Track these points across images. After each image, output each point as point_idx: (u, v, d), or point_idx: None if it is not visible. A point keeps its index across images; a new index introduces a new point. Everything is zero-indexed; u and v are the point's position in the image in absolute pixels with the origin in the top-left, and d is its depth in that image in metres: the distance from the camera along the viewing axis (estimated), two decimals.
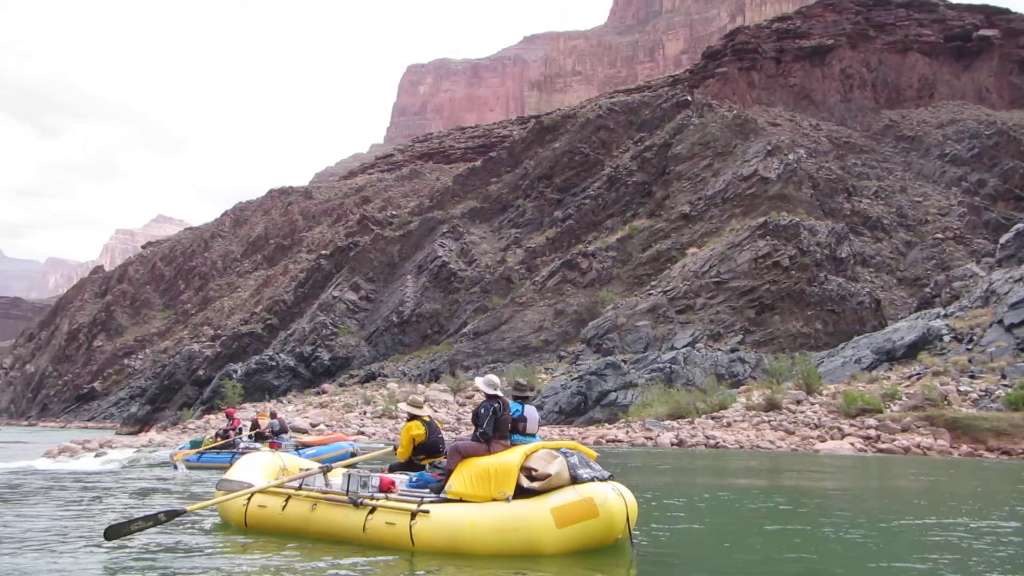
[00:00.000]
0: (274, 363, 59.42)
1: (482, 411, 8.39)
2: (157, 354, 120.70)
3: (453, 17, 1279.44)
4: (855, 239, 62.16)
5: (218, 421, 48.49)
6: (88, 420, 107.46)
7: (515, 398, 8.79)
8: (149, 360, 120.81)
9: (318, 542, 8.20)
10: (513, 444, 8.35)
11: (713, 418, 30.76)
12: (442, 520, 7.65)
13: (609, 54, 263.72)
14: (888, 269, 65.65)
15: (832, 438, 26.58)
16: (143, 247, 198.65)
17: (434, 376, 50.05)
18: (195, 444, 19.91)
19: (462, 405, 39.82)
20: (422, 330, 60.58)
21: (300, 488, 8.89)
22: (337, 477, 9.20)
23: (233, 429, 19.23)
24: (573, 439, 28.43)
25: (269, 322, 74.75)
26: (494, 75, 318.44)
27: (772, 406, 30.44)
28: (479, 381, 8.69)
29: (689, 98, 75.67)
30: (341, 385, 53.28)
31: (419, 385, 46.39)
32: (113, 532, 7.59)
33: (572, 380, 38.40)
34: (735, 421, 29.96)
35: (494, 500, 7.66)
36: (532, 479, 7.67)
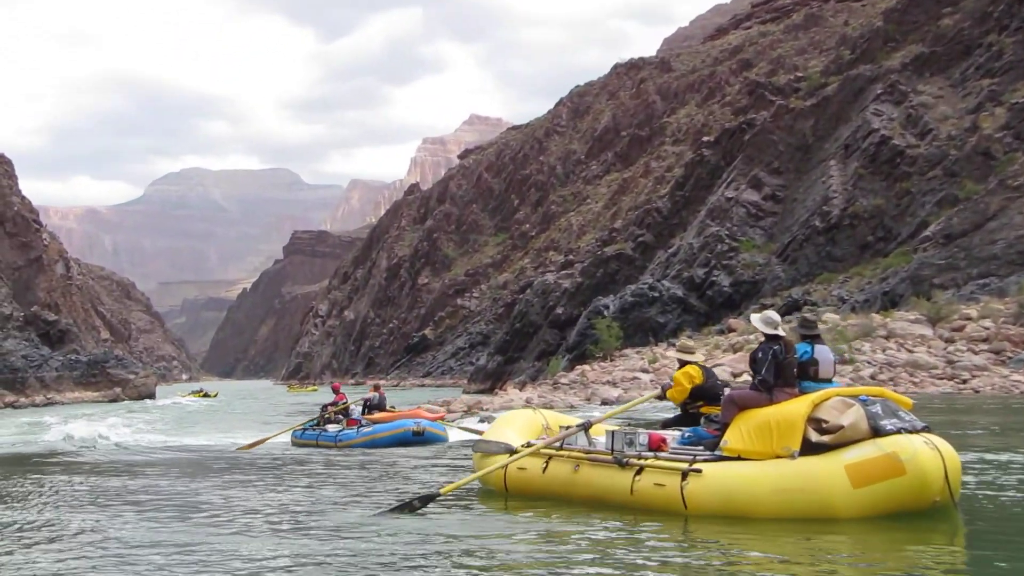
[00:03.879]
0: (656, 294, 60.25)
1: (760, 355, 9.37)
2: (495, 290, 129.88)
3: None
4: None
5: (596, 373, 50.45)
6: (424, 376, 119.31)
7: (802, 337, 9.64)
8: (486, 298, 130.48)
9: (582, 506, 9.75)
10: (802, 392, 9.16)
11: None
12: (717, 480, 8.77)
13: None
14: None
15: None
16: (459, 156, 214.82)
17: (889, 301, 47.19)
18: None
19: (948, 341, 36.78)
20: (859, 237, 57.60)
21: (561, 448, 10.52)
22: (601, 436, 10.56)
23: (334, 405, 22.85)
24: None
25: (641, 239, 76.31)
26: None
27: None
28: (755, 318, 9.76)
29: None
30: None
31: (873, 315, 43.87)
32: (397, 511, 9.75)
33: None
34: None
35: (777, 457, 8.59)
36: (822, 432, 8.45)
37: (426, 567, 7.06)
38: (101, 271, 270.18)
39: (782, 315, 53.30)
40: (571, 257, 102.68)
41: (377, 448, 19.95)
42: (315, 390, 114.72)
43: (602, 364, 51.37)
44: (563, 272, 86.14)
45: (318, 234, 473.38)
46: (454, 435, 21.47)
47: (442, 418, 23.33)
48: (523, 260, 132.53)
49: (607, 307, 61.03)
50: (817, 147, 65.97)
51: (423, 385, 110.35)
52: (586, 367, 51.02)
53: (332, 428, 22.10)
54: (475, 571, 6.98)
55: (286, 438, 23.06)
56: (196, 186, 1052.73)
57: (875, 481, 8.14)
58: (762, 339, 9.65)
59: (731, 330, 51.38)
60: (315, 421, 22.93)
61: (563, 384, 46.14)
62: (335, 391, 24.02)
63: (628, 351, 53.38)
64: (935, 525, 8.14)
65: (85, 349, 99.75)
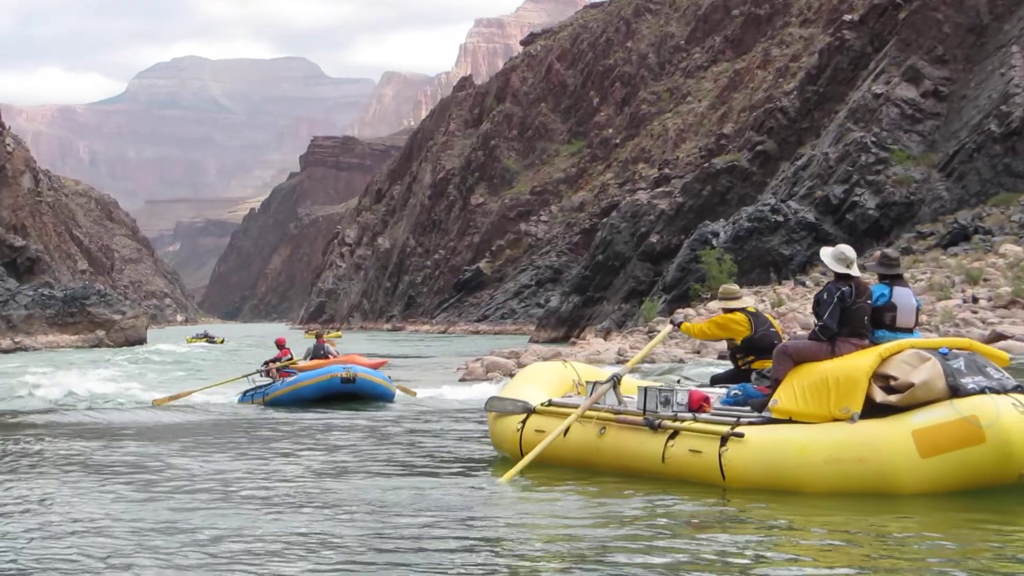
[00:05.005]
0: (779, 217, 59.53)
1: (824, 296, 9.75)
2: (569, 213, 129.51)
3: None
4: None
5: (703, 319, 50.03)
6: (477, 320, 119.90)
7: (881, 278, 10.03)
8: (558, 223, 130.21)
9: (607, 476, 10.30)
10: (874, 344, 9.44)
11: None
12: (760, 447, 9.16)
13: None
14: None
15: None
16: (522, 43, 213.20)
17: None
18: None
19: None
20: None
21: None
22: (634, 393, 11.05)
23: (275, 360, 24.56)
24: None
25: (760, 148, 75.41)
26: None
27: None
28: (825, 253, 10.16)
29: None
30: (906, 251, 51.58)
31: None
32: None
33: None
34: None
35: (835, 420, 8.91)
36: (890, 391, 8.76)
37: (423, 548, 7.39)
38: (76, 186, 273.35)
39: (946, 247, 52.48)
40: (667, 171, 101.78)
41: (304, 402, 21.79)
42: (340, 336, 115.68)
43: (710, 307, 50.91)
44: (658, 190, 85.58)
45: (343, 141, 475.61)
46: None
47: (382, 364, 24.78)
48: (605, 175, 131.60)
49: (716, 234, 60.62)
50: (995, 29, 64.38)
51: (477, 332, 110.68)
52: (689, 310, 50.53)
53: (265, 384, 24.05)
54: (471, 554, 7.27)
55: (209, 396, 25.07)
56: (191, 80, 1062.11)
57: (947, 450, 8.39)
58: (832, 279, 9.97)
59: None
60: (255, 378, 24.70)
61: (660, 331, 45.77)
62: (279, 346, 25.66)
63: (744, 290, 52.56)
64: (1020, 505, 8.43)
65: (60, 282, 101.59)
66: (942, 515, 8.15)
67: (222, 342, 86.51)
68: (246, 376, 25.14)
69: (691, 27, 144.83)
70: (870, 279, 10.42)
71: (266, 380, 23.91)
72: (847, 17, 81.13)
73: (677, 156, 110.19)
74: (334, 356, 24.09)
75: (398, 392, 23.09)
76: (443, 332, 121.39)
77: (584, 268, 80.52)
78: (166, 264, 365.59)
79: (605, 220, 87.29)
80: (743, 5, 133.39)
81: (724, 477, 9.32)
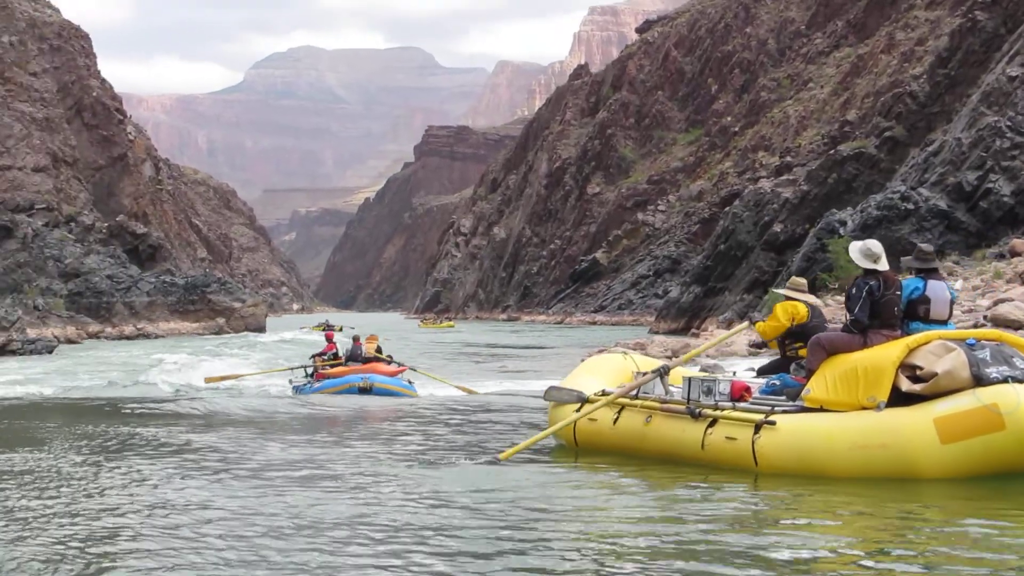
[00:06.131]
0: (911, 205, 58.16)
1: (853, 291, 10.32)
2: (687, 202, 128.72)
3: None
4: None
5: (830, 311, 48.93)
6: (595, 311, 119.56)
7: (916, 272, 10.58)
8: (676, 212, 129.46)
9: (652, 462, 11.02)
10: (907, 335, 9.90)
11: None
12: (790, 434, 9.75)
13: None
14: None
15: None
16: (639, 30, 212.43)
17: None
18: None
19: None
20: None
21: (636, 397, 11.69)
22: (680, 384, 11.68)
23: (321, 356, 26.59)
24: None
25: (888, 134, 74.26)
26: None
27: None
28: (853, 248, 10.67)
29: None
30: None
31: None
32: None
33: None
34: None
35: (863, 408, 9.41)
36: (916, 380, 9.23)
37: (457, 533, 7.69)
38: (195, 174, 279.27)
39: None
40: (789, 159, 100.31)
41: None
42: (452, 326, 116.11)
43: (838, 298, 49.88)
44: (780, 178, 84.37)
45: (458, 130, 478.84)
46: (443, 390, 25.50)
47: (401, 371, 25.83)
48: (724, 163, 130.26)
49: (844, 223, 59.74)
50: None
51: (594, 323, 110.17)
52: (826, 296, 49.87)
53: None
54: (496, 538, 7.51)
55: (261, 380, 28.53)
56: (307, 70, 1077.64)
57: (968, 436, 8.80)
58: (861, 273, 10.47)
59: (1016, 253, 49.03)
60: (308, 372, 26.66)
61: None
62: (328, 340, 27.69)
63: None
64: None
65: (180, 270, 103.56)
66: (967, 500, 8.54)
67: (340, 330, 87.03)
68: (293, 368, 27.70)
69: (812, 11, 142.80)
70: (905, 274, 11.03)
71: (308, 375, 26.23)
72: None
73: (799, 144, 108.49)
74: (387, 359, 25.73)
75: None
76: (559, 323, 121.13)
77: (705, 258, 79.83)
78: (282, 253, 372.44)
79: (727, 209, 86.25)
80: None
81: (757, 463, 9.94)
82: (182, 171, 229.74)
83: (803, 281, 12.19)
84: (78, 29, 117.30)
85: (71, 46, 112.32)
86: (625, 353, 14.23)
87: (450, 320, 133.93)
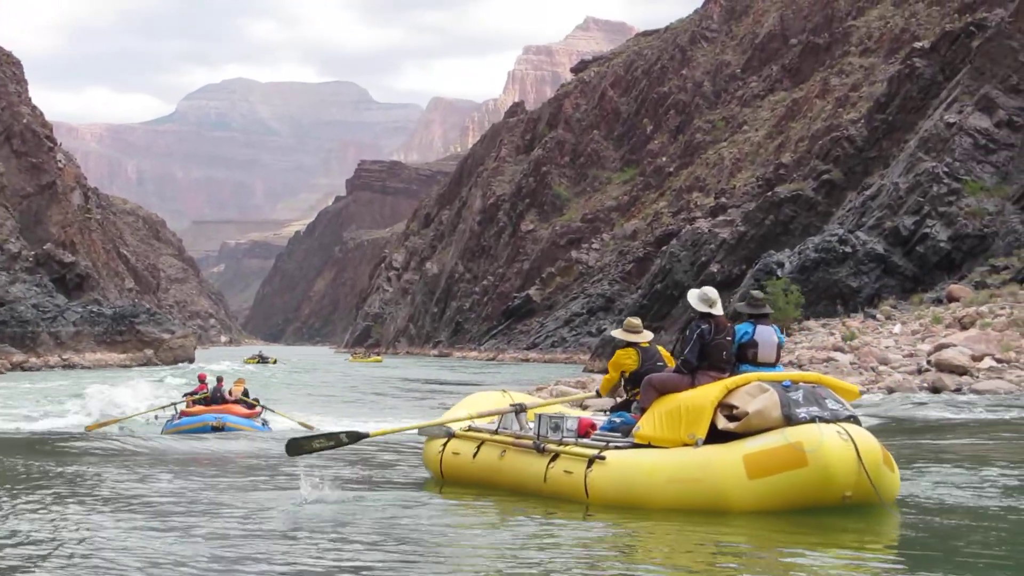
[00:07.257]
0: (848, 248, 58.74)
1: (687, 333, 11.14)
2: (621, 241, 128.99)
3: None
4: None
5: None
6: (527, 348, 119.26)
7: (748, 317, 11.22)
8: (610, 250, 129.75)
9: (504, 494, 11.66)
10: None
11: None
12: (618, 468, 10.43)
13: None
14: None
15: None
16: (574, 70, 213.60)
17: None
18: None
19: None
20: None
21: (497, 432, 12.46)
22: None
23: (192, 394, 28.24)
24: None
25: (826, 177, 74.86)
26: None
27: None
28: (691, 295, 11.42)
29: None
30: (980, 285, 50.44)
31: None
32: (295, 448, 12.01)
33: None
34: None
35: (684, 445, 10.09)
36: (731, 419, 9.83)
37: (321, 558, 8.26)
38: (124, 204, 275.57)
39: (1022, 281, 51.18)
40: (723, 200, 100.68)
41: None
42: (379, 361, 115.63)
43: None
44: (718, 219, 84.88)
45: (390, 165, 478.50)
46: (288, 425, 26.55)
47: (256, 414, 26.99)
48: (658, 203, 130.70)
49: (781, 265, 60.25)
50: None
51: (527, 360, 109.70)
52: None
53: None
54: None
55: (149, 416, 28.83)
56: (240, 102, 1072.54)
57: (773, 472, 9.39)
58: (695, 317, 11.18)
59: (953, 299, 49.41)
60: (176, 410, 27.79)
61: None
62: (200, 380, 29.17)
63: (810, 323, 52.25)
64: (847, 523, 9.29)
65: (108, 300, 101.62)
66: (770, 532, 9.10)
67: (275, 362, 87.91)
68: (164, 408, 28.54)
69: (747, 56, 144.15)
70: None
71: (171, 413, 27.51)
72: (918, 44, 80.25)
73: (733, 185, 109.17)
74: (227, 399, 27.13)
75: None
76: (491, 359, 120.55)
77: (642, 296, 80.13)
78: (211, 285, 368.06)
79: (664, 248, 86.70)
80: (802, 34, 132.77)
81: (588, 495, 10.62)
82: (111, 201, 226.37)
83: (638, 321, 12.72)
84: (9, 55, 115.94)
85: (2, 72, 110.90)
86: (504, 391, 14.66)
87: (378, 355, 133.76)
